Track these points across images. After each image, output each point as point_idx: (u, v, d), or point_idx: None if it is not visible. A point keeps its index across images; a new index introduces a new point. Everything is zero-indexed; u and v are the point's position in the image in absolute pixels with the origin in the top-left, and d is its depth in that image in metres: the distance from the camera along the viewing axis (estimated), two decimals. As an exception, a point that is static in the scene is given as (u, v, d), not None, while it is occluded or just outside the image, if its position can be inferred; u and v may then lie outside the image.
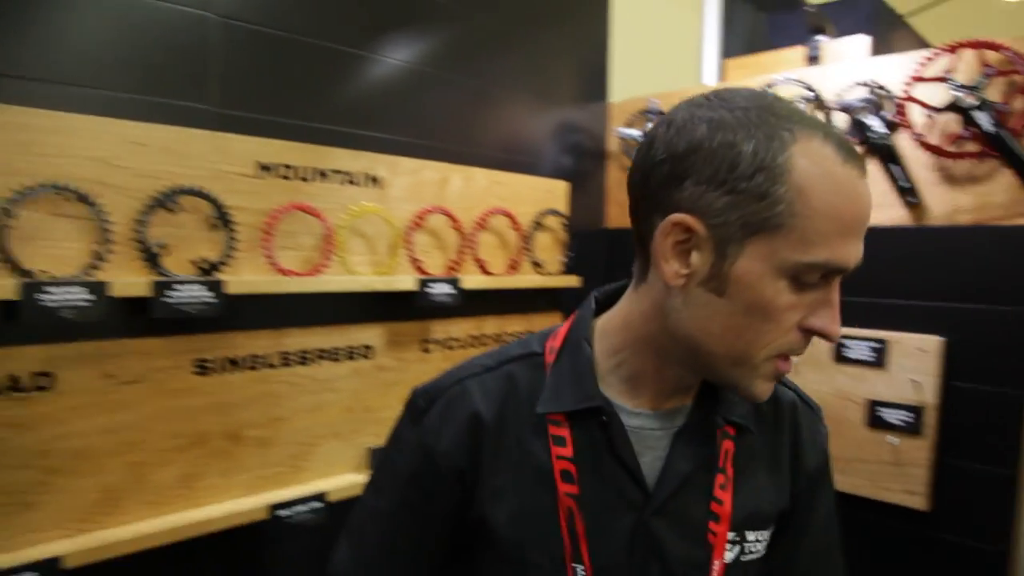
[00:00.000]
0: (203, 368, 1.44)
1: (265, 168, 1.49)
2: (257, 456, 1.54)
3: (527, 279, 2.02)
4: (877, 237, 1.85)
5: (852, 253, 0.70)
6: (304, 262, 1.57)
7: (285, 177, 1.52)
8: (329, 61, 1.65)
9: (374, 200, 1.67)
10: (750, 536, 0.87)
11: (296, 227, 1.55)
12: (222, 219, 1.41)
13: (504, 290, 1.99)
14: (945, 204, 1.78)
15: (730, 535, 0.86)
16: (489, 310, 1.99)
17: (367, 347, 1.71)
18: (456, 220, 1.83)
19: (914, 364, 1.78)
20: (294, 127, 1.57)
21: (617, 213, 2.41)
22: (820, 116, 1.96)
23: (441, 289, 1.74)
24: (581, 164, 2.34)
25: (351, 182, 1.63)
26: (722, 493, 0.85)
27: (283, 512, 1.53)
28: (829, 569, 0.98)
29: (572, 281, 2.14)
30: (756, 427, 0.89)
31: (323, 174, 1.59)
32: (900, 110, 1.79)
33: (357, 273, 1.65)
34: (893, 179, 1.82)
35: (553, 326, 0.92)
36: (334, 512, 1.60)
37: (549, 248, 2.13)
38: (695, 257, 0.73)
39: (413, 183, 1.76)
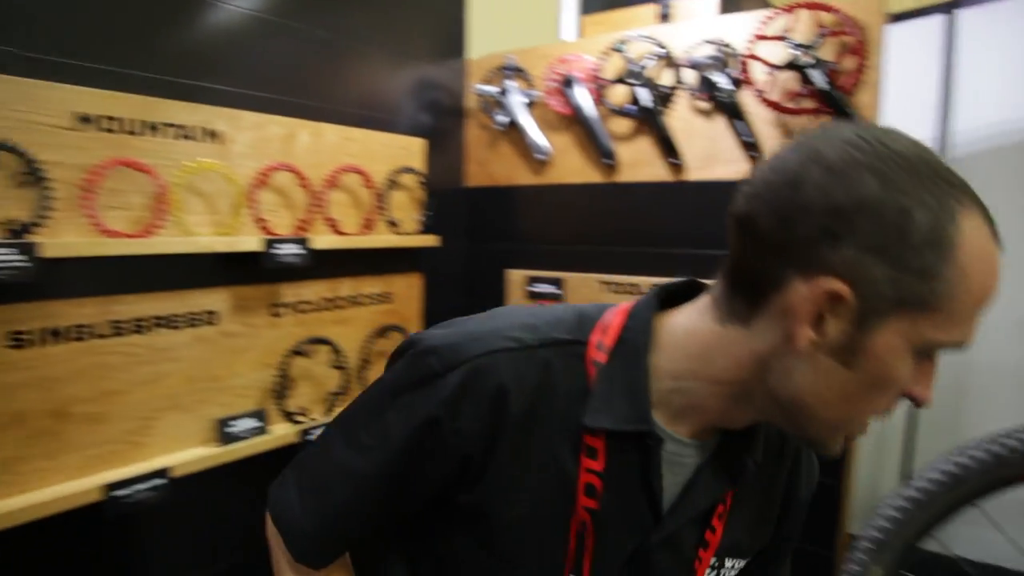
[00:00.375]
0: (18, 341, 1.31)
1: (85, 120, 1.35)
2: (88, 434, 1.42)
3: (382, 239, 1.96)
4: (725, 191, 1.93)
5: (973, 333, 0.67)
6: (134, 223, 1.45)
7: (109, 130, 1.38)
8: (159, 3, 1.50)
9: (213, 156, 1.56)
10: (728, 563, 0.86)
11: (124, 185, 1.42)
12: (33, 175, 1.27)
13: (359, 250, 1.92)
14: (785, 161, 1.85)
15: (711, 560, 0.84)
16: (343, 271, 1.92)
17: (210, 312, 1.61)
18: (304, 178, 1.74)
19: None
20: (119, 75, 1.43)
21: (476, 171, 2.38)
22: (671, 73, 1.99)
23: (289, 249, 1.65)
24: (439, 122, 2.28)
25: (186, 136, 1.51)
26: (717, 522, 0.83)
27: (120, 492, 1.43)
28: None
29: (431, 240, 2.10)
30: (767, 458, 0.86)
31: (154, 128, 1.46)
32: (744, 68, 1.85)
33: (195, 234, 1.53)
34: (738, 134, 1.88)
35: (598, 307, 0.83)
36: (179, 488, 1.51)
37: (406, 207, 2.08)
38: (832, 325, 0.65)
39: (257, 138, 1.65)
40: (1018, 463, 1.41)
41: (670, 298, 0.81)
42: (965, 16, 2.34)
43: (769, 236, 0.66)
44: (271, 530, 0.89)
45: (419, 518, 0.87)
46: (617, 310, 0.81)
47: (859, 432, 0.72)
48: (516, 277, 2.25)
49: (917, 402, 0.69)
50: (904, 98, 2.37)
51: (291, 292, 1.79)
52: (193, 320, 1.58)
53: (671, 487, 0.79)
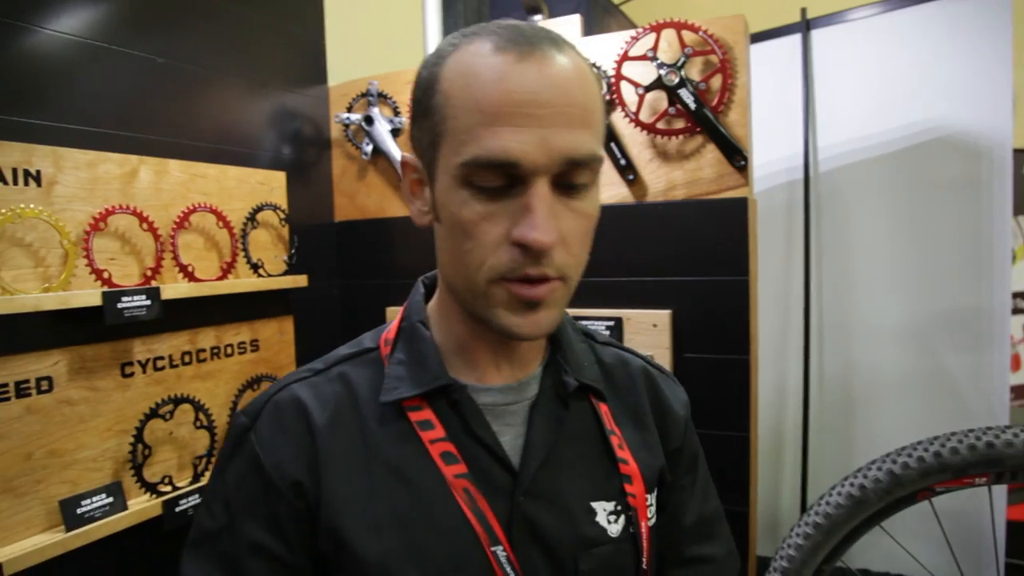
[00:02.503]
0: None
1: None
2: None
3: (244, 283, 1.80)
4: (604, 215, 1.89)
5: (508, 142, 0.63)
6: (-60, 283, 1.25)
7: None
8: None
9: (35, 201, 1.37)
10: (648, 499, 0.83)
11: (-79, 239, 1.22)
12: None
13: (218, 297, 1.74)
14: (660, 180, 1.83)
15: (647, 497, 0.83)
16: (204, 321, 1.74)
17: (44, 379, 1.41)
18: (148, 221, 1.56)
19: (647, 339, 1.82)
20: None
21: (345, 204, 2.25)
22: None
23: (136, 302, 1.48)
24: (301, 153, 2.14)
25: (-1, 180, 1.32)
26: (623, 452, 0.82)
27: (-61, 600, 1.21)
28: (714, 521, 0.95)
29: (299, 281, 1.95)
30: (610, 392, 0.86)
31: (-43, 171, 1.27)
32: (614, 89, 1.82)
33: (16, 292, 1.34)
34: (613, 158, 1.85)
35: (386, 324, 0.88)
36: (15, 585, 1.30)
37: (269, 247, 1.92)
38: (427, 192, 0.74)
39: (88, 179, 1.47)
40: (914, 480, 1.42)
41: (434, 285, 0.86)
42: (819, 35, 2.41)
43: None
44: None
45: None
46: (400, 312, 0.87)
47: (508, 298, 0.69)
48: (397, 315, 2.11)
49: (524, 244, 0.65)
50: (774, 115, 2.42)
51: (143, 348, 1.60)
52: (23, 390, 1.37)
53: (516, 439, 0.78)
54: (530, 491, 0.75)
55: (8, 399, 1.35)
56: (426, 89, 0.70)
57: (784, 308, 2.39)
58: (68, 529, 1.41)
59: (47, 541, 1.38)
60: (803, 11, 2.43)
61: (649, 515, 0.82)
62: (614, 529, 0.78)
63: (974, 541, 1.94)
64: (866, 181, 2.25)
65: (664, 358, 1.79)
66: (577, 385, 0.81)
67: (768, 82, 2.35)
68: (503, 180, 0.65)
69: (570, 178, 0.66)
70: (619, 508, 0.79)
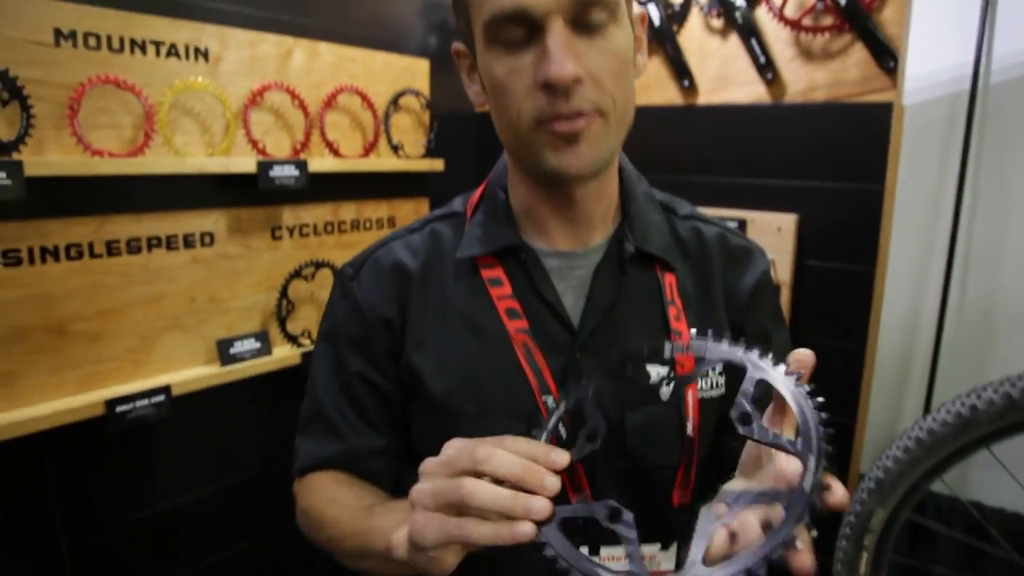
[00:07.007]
0: (13, 259, 1.33)
1: (65, 36, 1.34)
2: (88, 351, 1.46)
3: (385, 162, 1.94)
4: (736, 115, 1.86)
5: None
6: (126, 142, 1.45)
7: (92, 47, 1.38)
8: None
9: (203, 76, 1.54)
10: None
11: (110, 103, 1.42)
12: (14, 93, 1.27)
13: (360, 174, 1.90)
14: (801, 80, 1.77)
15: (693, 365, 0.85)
16: (345, 195, 1.91)
17: (207, 234, 1.62)
18: (300, 98, 1.71)
19: (770, 243, 1.80)
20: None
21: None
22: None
23: (286, 172, 1.65)
24: (448, 44, 2.21)
25: (174, 54, 1.50)
26: (678, 324, 0.85)
27: (122, 407, 1.47)
28: None
29: (436, 165, 2.07)
30: (682, 263, 0.89)
31: (139, 45, 1.44)
32: (758, -21, 1.75)
33: (186, 154, 1.53)
34: (753, 55, 1.80)
35: (475, 189, 0.94)
36: (179, 406, 1.55)
37: (410, 131, 2.04)
38: (477, 75, 0.80)
39: (248, 57, 1.63)
40: None
41: None
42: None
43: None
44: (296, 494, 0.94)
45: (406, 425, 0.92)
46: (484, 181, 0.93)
47: (549, 138, 0.73)
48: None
49: (549, 82, 0.69)
50: (938, 16, 2.22)
51: (290, 215, 1.79)
52: (189, 241, 1.59)
53: (577, 300, 0.84)
54: (587, 348, 0.82)
55: (177, 248, 1.57)
56: None
57: (929, 229, 2.26)
58: (223, 364, 1.65)
59: (205, 373, 1.62)
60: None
61: (705, 386, 0.85)
62: (664, 392, 0.83)
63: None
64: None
65: (785, 264, 1.78)
66: (634, 252, 0.84)
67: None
68: (523, 32, 0.70)
69: (586, 18, 0.70)
70: (672, 374, 0.83)
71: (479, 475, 0.58)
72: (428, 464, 0.62)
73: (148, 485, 1.61)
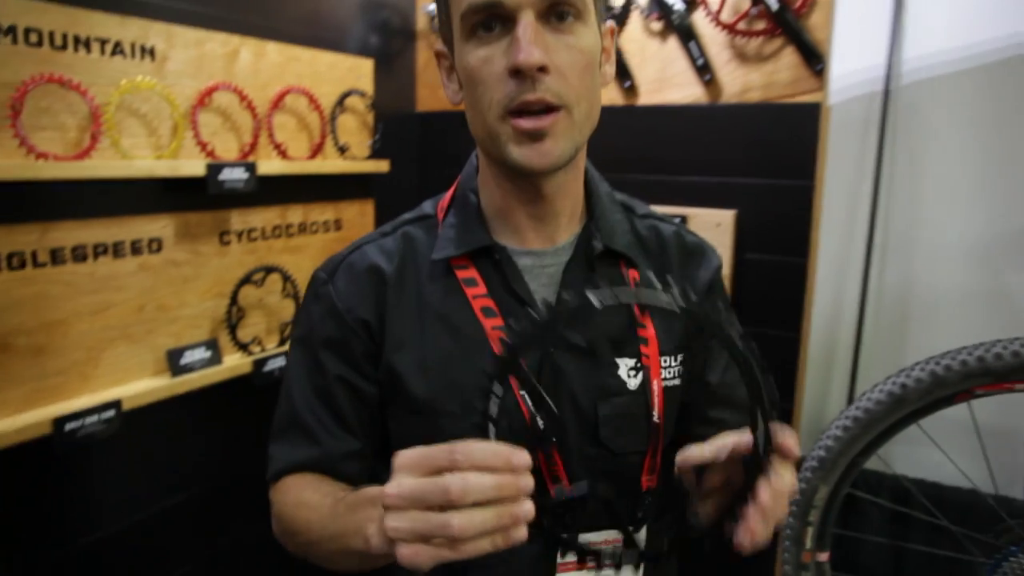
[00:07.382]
0: (-50, 269, 1.25)
1: (4, 32, 1.26)
2: (33, 366, 1.38)
3: (332, 164, 1.91)
4: (675, 115, 1.92)
5: None
6: (70, 145, 1.38)
7: (33, 44, 1.30)
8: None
9: (149, 75, 1.48)
10: (663, 361, 0.91)
11: (54, 104, 1.35)
12: (-47, 92, 1.19)
13: (308, 176, 1.86)
14: (736, 82, 1.84)
15: (659, 359, 0.90)
16: (292, 198, 1.87)
17: (155, 240, 1.56)
18: (248, 99, 1.67)
19: (710, 238, 1.86)
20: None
21: (427, 95, 2.31)
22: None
23: (235, 175, 1.60)
24: (388, 43, 2.21)
25: (119, 53, 1.43)
26: (644, 318, 0.90)
27: (71, 425, 1.39)
28: (735, 386, 1.00)
29: (381, 166, 2.05)
30: (641, 260, 0.93)
31: (83, 43, 1.37)
32: (698, -14, 1.82)
33: (133, 157, 1.47)
34: (691, 57, 1.86)
35: (444, 193, 0.97)
36: (130, 420, 1.48)
37: (355, 132, 2.02)
38: (455, 74, 0.84)
39: (195, 56, 1.57)
40: (955, 382, 1.47)
41: None
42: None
43: None
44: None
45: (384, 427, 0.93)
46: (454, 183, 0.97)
47: (512, 132, 0.77)
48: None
49: (517, 67, 0.73)
50: (857, 21, 2.35)
51: (239, 219, 1.74)
52: (137, 248, 1.52)
53: (549, 296, 0.88)
54: (564, 344, 0.86)
55: (124, 256, 1.50)
56: None
57: (849, 221, 2.38)
58: (174, 375, 1.59)
59: (157, 384, 1.56)
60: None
61: (667, 375, 0.91)
62: (633, 383, 0.88)
63: (1010, 452, 1.99)
64: (949, 97, 2.20)
65: (725, 258, 1.84)
66: (603, 249, 0.89)
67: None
68: (497, 24, 0.75)
69: (555, 13, 0.75)
70: (638, 365, 0.89)
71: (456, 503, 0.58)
72: (393, 498, 0.60)
73: (99, 505, 1.53)
